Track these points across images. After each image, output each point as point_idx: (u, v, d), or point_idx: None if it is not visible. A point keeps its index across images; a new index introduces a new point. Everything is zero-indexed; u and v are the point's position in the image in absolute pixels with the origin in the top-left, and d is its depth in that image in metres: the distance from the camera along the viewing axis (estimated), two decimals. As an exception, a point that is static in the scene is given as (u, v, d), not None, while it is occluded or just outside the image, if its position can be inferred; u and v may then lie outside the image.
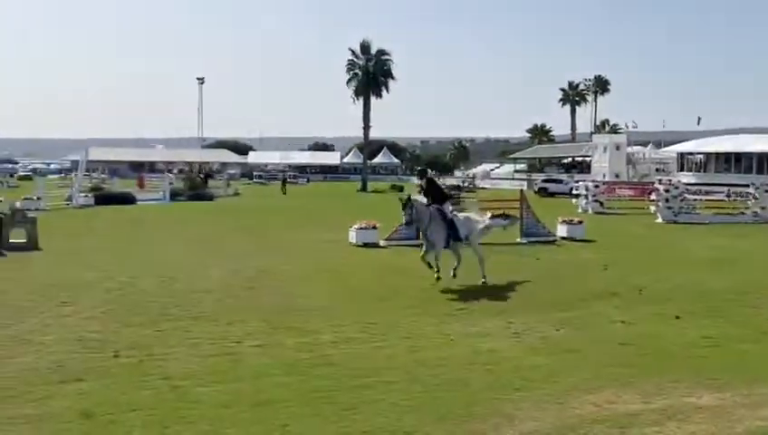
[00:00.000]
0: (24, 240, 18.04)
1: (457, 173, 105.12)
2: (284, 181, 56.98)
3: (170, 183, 45.11)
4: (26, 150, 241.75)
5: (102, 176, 59.52)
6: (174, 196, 42.04)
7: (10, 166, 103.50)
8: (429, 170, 15.40)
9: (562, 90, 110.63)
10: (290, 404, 6.56)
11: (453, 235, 13.20)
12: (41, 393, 6.77)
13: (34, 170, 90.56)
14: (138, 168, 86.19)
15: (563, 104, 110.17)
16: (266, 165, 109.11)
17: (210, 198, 43.69)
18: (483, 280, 13.16)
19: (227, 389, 6.97)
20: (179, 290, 12.19)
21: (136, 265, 15.00)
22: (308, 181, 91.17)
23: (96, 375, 7.38)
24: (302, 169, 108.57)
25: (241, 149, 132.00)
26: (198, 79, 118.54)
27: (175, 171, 76.07)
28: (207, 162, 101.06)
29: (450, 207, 13.66)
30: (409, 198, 13.10)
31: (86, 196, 37.24)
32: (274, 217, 30.48)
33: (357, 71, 72.42)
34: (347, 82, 73.10)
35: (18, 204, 24.74)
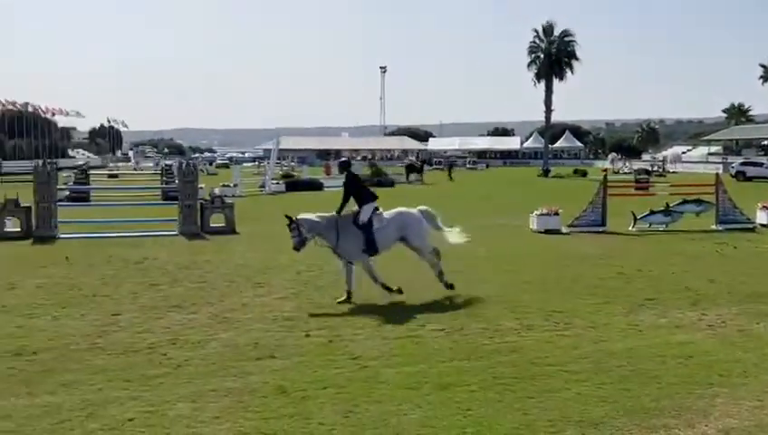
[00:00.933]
0: (223, 224, 19.37)
1: (645, 156, 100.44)
2: (450, 168, 57.08)
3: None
4: (223, 140, 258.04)
5: (292, 164, 62.50)
6: (358, 182, 43.22)
7: (209, 155, 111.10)
8: (352, 163, 12.17)
9: (763, 66, 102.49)
10: (472, 389, 6.61)
11: (369, 245, 10.66)
12: (240, 368, 7.25)
13: (231, 159, 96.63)
14: (324, 155, 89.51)
15: (764, 82, 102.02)
16: (446, 151, 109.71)
17: (391, 184, 44.58)
18: (446, 286, 10.81)
19: (412, 371, 7.13)
20: (364, 272, 12.54)
21: (323, 249, 15.60)
22: (487, 167, 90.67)
23: (289, 353, 7.79)
24: (481, 155, 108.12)
25: (421, 135, 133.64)
26: (381, 68, 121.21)
27: (359, 158, 78.28)
28: (406, 150, 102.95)
29: (374, 208, 10.83)
30: (292, 219, 10.74)
31: (278, 183, 39.26)
32: (454, 203, 30.60)
33: (539, 53, 70.91)
34: (528, 65, 71.81)
35: (217, 191, 26.57)
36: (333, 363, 7.39)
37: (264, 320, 9.27)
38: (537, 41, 71.40)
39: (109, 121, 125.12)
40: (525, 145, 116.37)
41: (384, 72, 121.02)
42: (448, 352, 7.84)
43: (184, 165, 21.52)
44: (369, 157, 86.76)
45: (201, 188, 22.44)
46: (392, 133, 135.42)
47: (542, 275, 12.62)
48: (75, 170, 38.13)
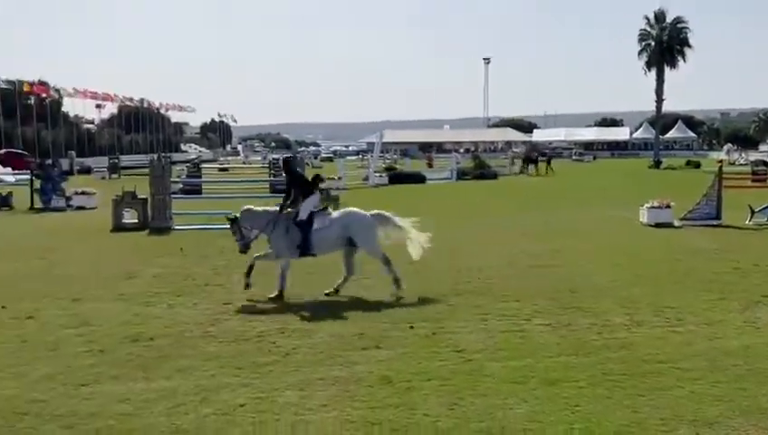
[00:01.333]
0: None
1: (763, 147, 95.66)
2: (549, 160, 55.99)
3: (457, 162, 46.32)
4: (328, 134, 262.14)
5: (395, 156, 62.90)
6: (460, 175, 43.15)
7: (314, 149, 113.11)
8: (296, 157, 10.76)
9: None
10: (580, 385, 6.48)
11: (303, 245, 10.27)
12: (346, 358, 7.35)
13: (335, 152, 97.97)
14: (426, 148, 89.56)
15: None
16: (551, 142, 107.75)
17: (494, 176, 44.20)
18: (395, 289, 10.16)
19: (517, 365, 7.04)
20: (468, 266, 12.52)
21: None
22: (594, 158, 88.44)
23: (393, 344, 7.84)
24: (588, 146, 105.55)
25: (526, 127, 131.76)
26: (485, 59, 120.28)
27: (461, 151, 77.91)
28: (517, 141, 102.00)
29: (315, 204, 10.49)
30: (234, 219, 10.43)
31: (381, 175, 39.59)
32: (560, 194, 30.11)
33: (650, 41, 68.53)
34: (638, 53, 69.51)
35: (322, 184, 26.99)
36: (437, 356, 7.39)
37: (369, 311, 9.36)
38: (648, 28, 68.99)
39: (219, 116, 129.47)
40: (635, 136, 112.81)
41: (488, 63, 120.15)
42: (555, 347, 7.71)
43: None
44: (473, 149, 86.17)
45: (307, 180, 22.82)
46: (495, 125, 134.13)
47: (653, 269, 12.23)
48: (188, 164, 39.56)
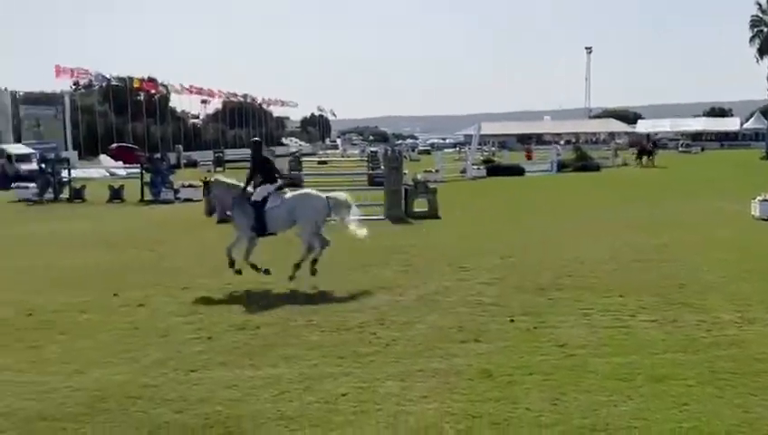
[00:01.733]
0: (426, 209, 19.71)
1: None
2: (651, 152, 53.88)
3: (557, 154, 45.50)
4: (425, 127, 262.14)
5: (493, 149, 62.32)
6: (561, 167, 42.38)
7: (411, 141, 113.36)
8: (261, 142, 11.80)
9: None
10: (689, 383, 6.27)
11: (257, 226, 10.71)
12: (445, 350, 7.36)
13: (432, 145, 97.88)
14: (525, 140, 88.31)
15: None
16: (656, 133, 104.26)
17: (596, 168, 43.18)
18: (293, 271, 10.52)
19: (622, 362, 6.88)
20: (569, 259, 12.30)
21: (526, 234, 15.51)
22: (702, 150, 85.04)
23: (493, 337, 7.79)
24: (695, 137, 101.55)
25: (630, 117, 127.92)
26: (587, 48, 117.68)
27: (562, 142, 76.46)
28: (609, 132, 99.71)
29: (271, 189, 10.80)
30: (207, 183, 11.19)
31: (478, 168, 39.31)
32: (666, 186, 29.17)
33: (762, 27, 65.34)
34: (750, 40, 66.40)
35: (420, 176, 27.03)
36: (539, 350, 7.30)
37: (467, 304, 9.33)
38: (760, 14, 65.77)
39: (319, 110, 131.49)
40: (745, 126, 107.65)
41: (590, 52, 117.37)
42: (661, 343, 7.48)
43: (389, 152, 22.12)
44: (573, 141, 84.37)
45: (405, 173, 22.92)
46: (597, 116, 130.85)
47: (765, 264, 11.69)
48: (289, 157, 40.33)
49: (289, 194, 11.06)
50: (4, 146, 42.87)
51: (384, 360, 7.07)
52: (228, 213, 11.16)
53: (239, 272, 10.82)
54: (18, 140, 46.85)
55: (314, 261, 10.71)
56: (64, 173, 29.17)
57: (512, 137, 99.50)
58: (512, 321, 8.41)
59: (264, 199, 10.78)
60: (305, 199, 10.98)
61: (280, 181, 11.19)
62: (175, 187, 26.65)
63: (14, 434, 5.43)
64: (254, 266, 10.79)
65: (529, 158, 50.15)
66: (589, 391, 6.10)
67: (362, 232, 10.98)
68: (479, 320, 8.51)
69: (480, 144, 51.26)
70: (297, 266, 10.67)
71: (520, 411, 5.71)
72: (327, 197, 10.99)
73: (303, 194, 11.28)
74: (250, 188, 10.94)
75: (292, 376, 6.62)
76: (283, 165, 35.28)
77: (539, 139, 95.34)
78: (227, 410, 5.85)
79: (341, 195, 11.20)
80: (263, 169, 11.12)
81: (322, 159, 56.15)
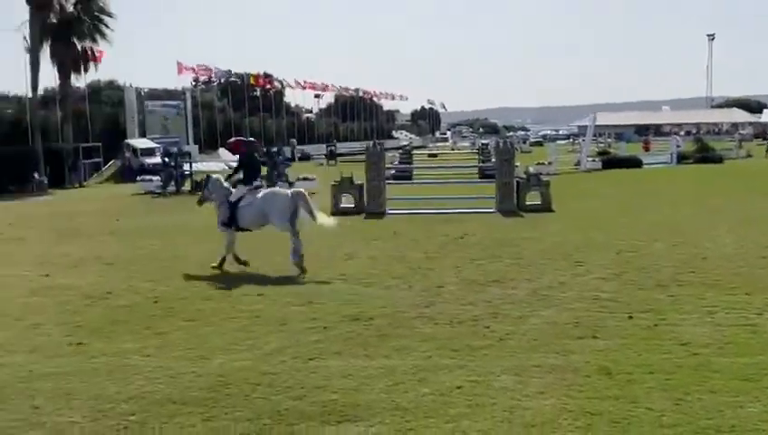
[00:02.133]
0: (539, 202, 19.40)
1: None
2: None
3: (677, 145, 43.82)
4: (536, 118, 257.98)
5: (609, 140, 60.61)
6: (681, 159, 40.78)
7: (522, 133, 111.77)
8: (254, 142, 13.54)
9: None
10: (823, 387, 5.93)
11: (230, 218, 11.71)
12: (561, 346, 7.23)
13: (544, 137, 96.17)
14: (643, 131, 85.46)
15: None
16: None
17: (719, 159, 41.30)
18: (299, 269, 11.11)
19: (749, 362, 6.57)
20: (690, 255, 11.85)
21: (644, 228, 15.03)
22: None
23: (611, 334, 7.60)
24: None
25: (753, 107, 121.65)
26: (708, 35, 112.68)
27: (682, 133, 73.58)
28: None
29: (244, 190, 11.83)
30: (209, 177, 12.63)
31: (594, 160, 38.33)
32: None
33: None
34: None
35: (532, 169, 26.61)
36: (659, 348, 7.07)
37: (583, 299, 9.14)
38: None
39: (429, 103, 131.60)
40: None
41: (712, 39, 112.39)
42: (792, 344, 7.11)
43: (501, 144, 21.90)
44: (694, 131, 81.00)
45: (516, 166, 22.62)
46: (719, 106, 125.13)
47: None
48: (400, 150, 40.58)
49: (260, 193, 11.86)
50: (130, 141, 45.11)
51: (498, 354, 7.02)
52: (211, 197, 12.29)
53: (246, 263, 11.68)
54: (143, 134, 49.08)
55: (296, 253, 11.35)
56: (186, 166, 30.44)
57: (629, 128, 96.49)
58: (630, 317, 8.18)
59: (240, 199, 11.78)
60: (271, 198, 11.77)
61: (255, 182, 12.18)
62: (290, 180, 27.29)
63: (145, 416, 5.70)
64: (236, 258, 11.74)
65: (647, 149, 48.52)
66: (713, 392, 5.86)
67: (329, 222, 11.78)
68: (596, 316, 8.32)
69: (595, 135, 49.89)
70: (295, 253, 11.25)
71: (640, 411, 5.54)
72: (290, 192, 11.99)
73: (269, 193, 12.08)
74: (227, 184, 12.14)
75: (406, 367, 6.67)
76: (393, 159, 35.64)
77: (657, 130, 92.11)
78: (343, 398, 5.96)
79: (301, 190, 12.24)
80: (248, 167, 12.28)
81: (433, 151, 56.09)
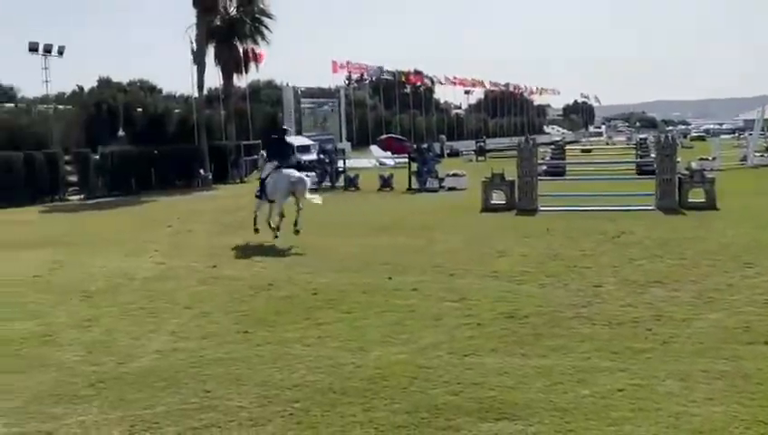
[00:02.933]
0: (703, 199, 18.45)
1: None
2: None
3: None
4: (697, 111, 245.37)
5: (778, 134, 56.60)
6: None
7: (683, 127, 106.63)
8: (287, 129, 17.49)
9: None
10: None
11: (261, 190, 15.02)
12: (730, 351, 6.86)
13: (707, 131, 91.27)
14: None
15: None
16: None
17: None
18: (275, 230, 14.67)
19: None
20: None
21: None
22: None
23: (788, 341, 7.14)
24: None
25: None
26: None
27: None
28: None
29: (270, 168, 14.99)
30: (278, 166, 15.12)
31: (762, 155, 36.01)
32: None
33: None
34: None
35: (694, 164, 25.34)
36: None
37: (754, 303, 8.62)
38: None
39: (582, 97, 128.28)
40: None
41: None
42: None
43: (662, 139, 21.00)
44: None
45: (678, 161, 21.61)
46: None
47: None
48: (552, 146, 39.75)
49: (277, 173, 14.70)
50: (288, 138, 46.68)
51: (662, 358, 6.76)
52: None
53: (277, 229, 14.62)
54: (299, 132, 50.79)
55: (295, 222, 14.44)
56: (340, 163, 31.24)
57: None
58: (808, 324, 7.64)
59: (269, 175, 14.88)
60: (278, 176, 14.66)
61: (276, 162, 15.00)
62: (440, 176, 27.41)
63: (308, 404, 5.93)
64: (270, 225, 14.76)
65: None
66: None
67: (317, 199, 14.94)
68: (768, 321, 7.83)
69: (763, 129, 46.76)
70: (277, 229, 14.63)
71: (822, 424, 5.19)
72: (293, 178, 14.60)
73: (280, 172, 14.75)
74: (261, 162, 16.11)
75: (564, 368, 6.55)
76: (545, 154, 34.97)
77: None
78: (500, 395, 5.93)
79: (304, 177, 14.88)
80: (277, 150, 15.43)
81: (586, 147, 54.58)
